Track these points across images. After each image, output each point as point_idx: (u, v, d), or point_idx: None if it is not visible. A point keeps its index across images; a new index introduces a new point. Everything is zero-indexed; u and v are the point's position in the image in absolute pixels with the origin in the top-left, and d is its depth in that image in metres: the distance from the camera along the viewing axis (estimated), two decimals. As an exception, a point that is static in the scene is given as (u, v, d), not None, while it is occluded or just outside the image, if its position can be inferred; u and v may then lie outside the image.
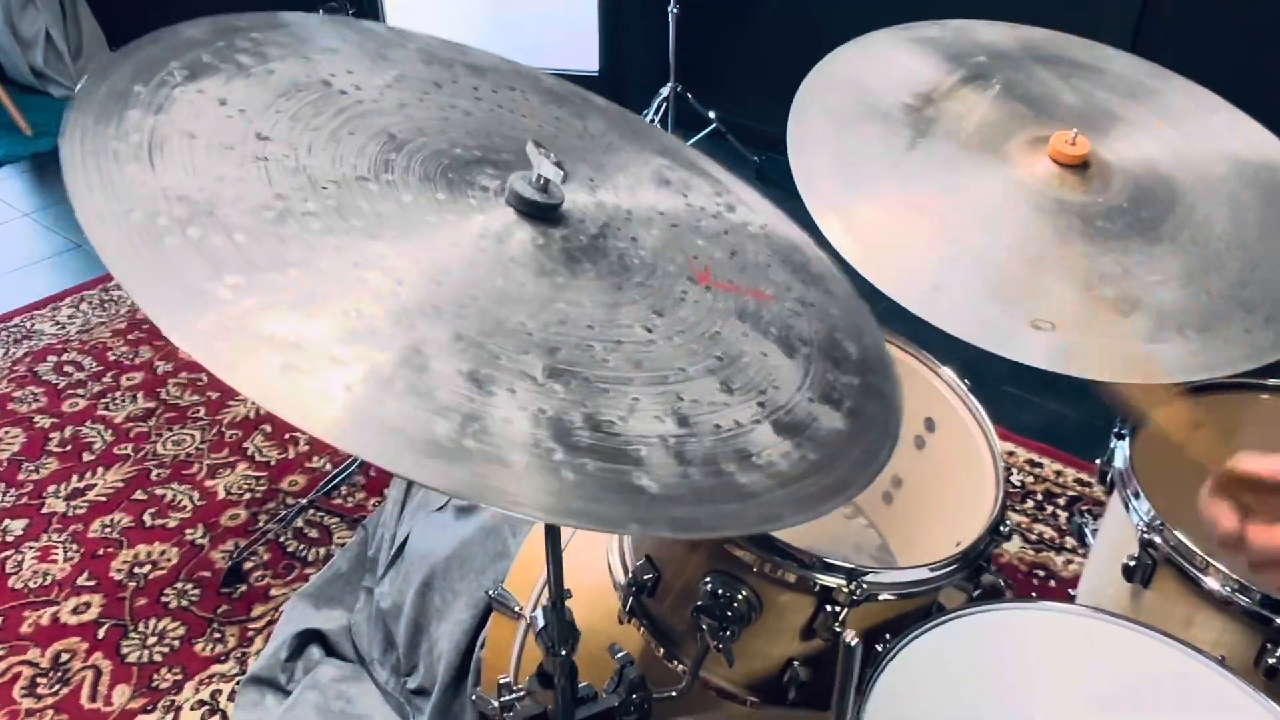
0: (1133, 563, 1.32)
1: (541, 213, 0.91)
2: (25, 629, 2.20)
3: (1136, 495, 1.34)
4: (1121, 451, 1.41)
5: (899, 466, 1.43)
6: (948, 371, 1.40)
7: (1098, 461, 1.47)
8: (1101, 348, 1.23)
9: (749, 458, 0.79)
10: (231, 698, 2.02)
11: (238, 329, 0.68)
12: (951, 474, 1.37)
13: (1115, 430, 1.43)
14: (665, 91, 3.73)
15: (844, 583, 1.12)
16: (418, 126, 0.96)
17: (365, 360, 0.69)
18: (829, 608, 1.13)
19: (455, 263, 0.82)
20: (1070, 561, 2.41)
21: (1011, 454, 2.73)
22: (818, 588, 1.13)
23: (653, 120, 3.75)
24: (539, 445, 0.70)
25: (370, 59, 1.03)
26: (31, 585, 2.27)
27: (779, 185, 1.37)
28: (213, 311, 0.68)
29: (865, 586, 1.11)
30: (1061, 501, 2.60)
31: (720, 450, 0.78)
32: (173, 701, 2.04)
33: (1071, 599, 1.33)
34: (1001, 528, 1.23)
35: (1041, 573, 2.39)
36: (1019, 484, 2.63)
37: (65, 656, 2.14)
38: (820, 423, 0.86)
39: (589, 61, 4.13)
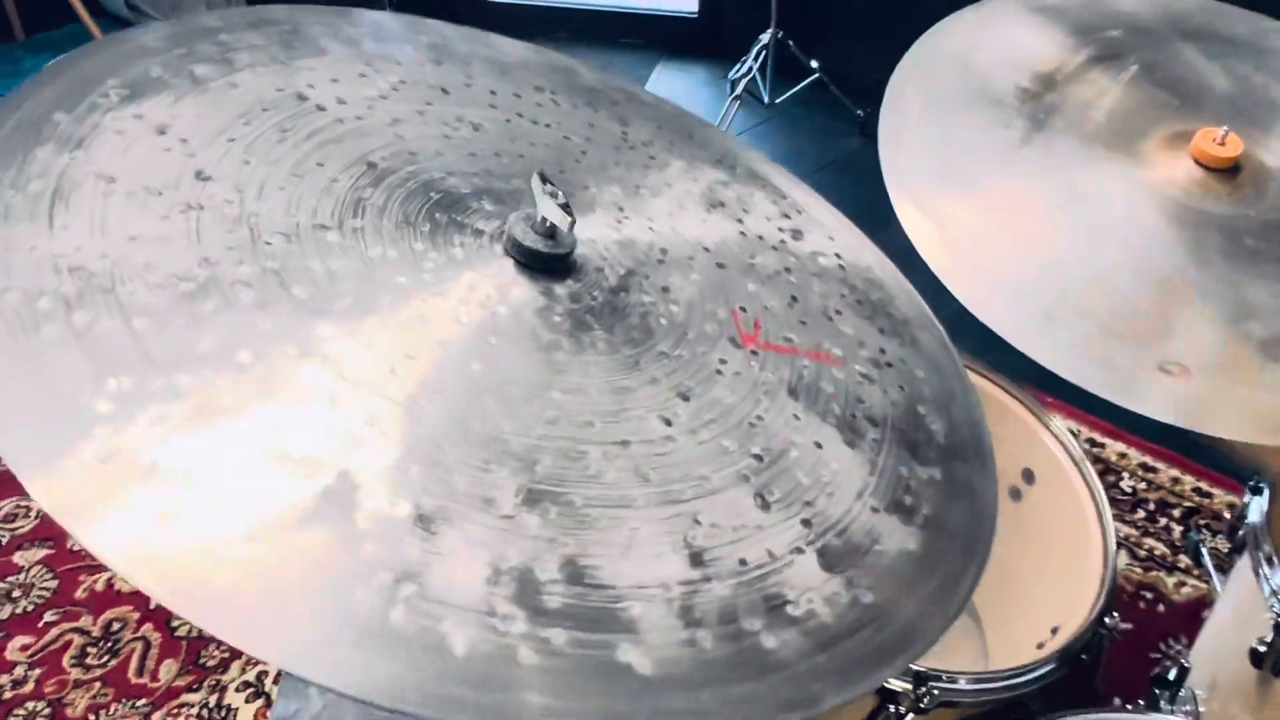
0: (1263, 648, 1.09)
1: (545, 264, 0.74)
2: (80, 594, 2.18)
3: (1271, 562, 1.11)
4: (1258, 507, 1.17)
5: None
6: (1058, 422, 1.18)
7: (1243, 496, 1.23)
8: (1244, 401, 1.01)
9: (782, 607, 0.61)
10: (276, 681, 1.97)
11: (109, 457, 0.53)
12: (1050, 539, 1.16)
13: (1252, 483, 1.19)
14: (765, 38, 3.48)
15: (910, 687, 0.93)
16: (409, 150, 0.80)
17: (273, 501, 0.54)
18: (891, 707, 0.95)
19: (424, 342, 0.65)
20: (1183, 584, 2.15)
21: (1123, 456, 2.46)
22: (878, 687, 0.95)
23: (750, 70, 3.50)
24: (493, 613, 0.54)
25: (366, 61, 0.87)
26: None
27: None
28: (79, 433, 0.53)
29: (935, 694, 0.92)
30: (1177, 513, 2.32)
31: (743, 599, 0.60)
32: (218, 681, 1.99)
33: (1181, 634, 1.12)
34: (1108, 620, 1.02)
35: (1149, 595, 2.13)
36: (1130, 490, 2.36)
37: (116, 626, 2.11)
38: (885, 544, 0.68)
39: (688, 2, 3.90)
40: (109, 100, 0.73)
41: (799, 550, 0.64)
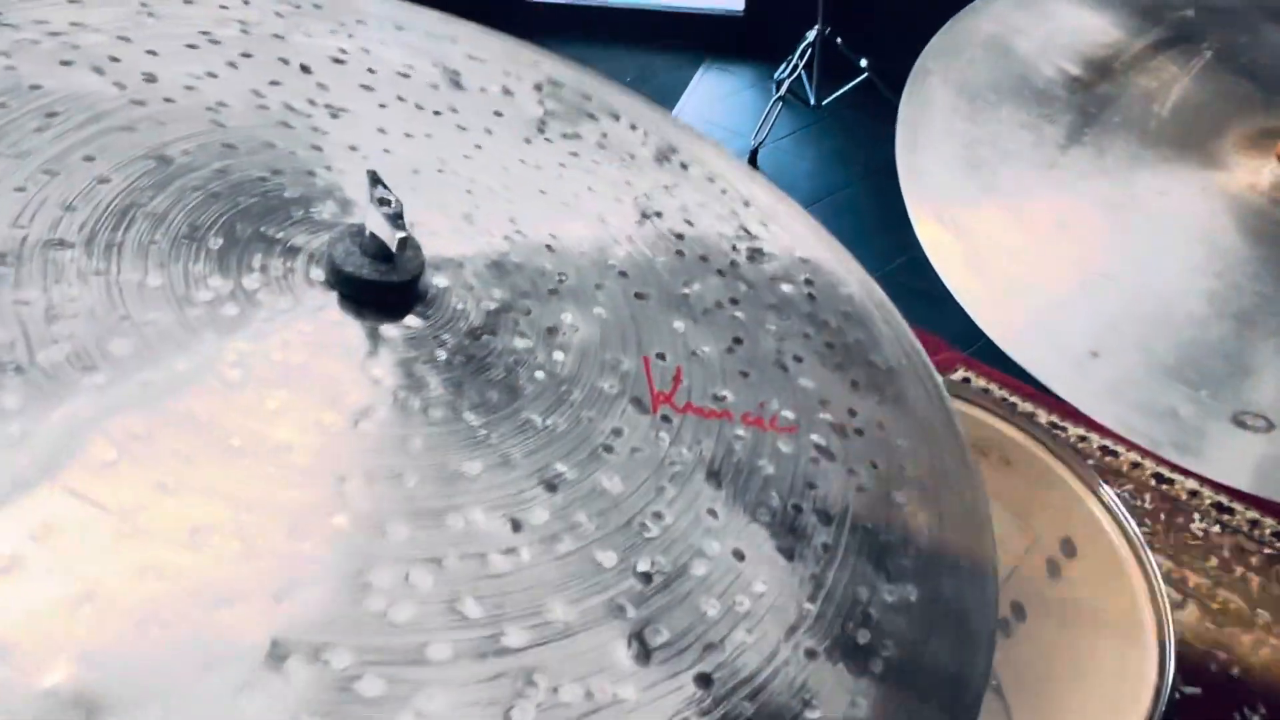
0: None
1: (372, 296, 0.54)
2: None
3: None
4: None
5: (1021, 589, 1.01)
6: (1109, 492, 0.96)
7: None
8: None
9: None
10: None
11: None
12: (1094, 623, 0.94)
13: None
14: (811, 36, 3.26)
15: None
16: (225, 141, 0.61)
17: None
18: None
19: (156, 415, 0.46)
20: (1262, 644, 1.87)
21: (1194, 495, 2.19)
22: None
23: (794, 68, 3.29)
24: None
25: (200, 28, 0.68)
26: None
27: None
28: None
29: None
30: (1255, 560, 2.04)
31: (582, 815, 0.40)
32: None
33: (1258, 703, 0.90)
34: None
35: (1222, 655, 1.87)
36: (1200, 534, 2.10)
37: None
38: (822, 708, 0.47)
39: (733, 1, 3.69)
40: None
41: (685, 730, 0.44)
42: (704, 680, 0.46)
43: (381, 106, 0.69)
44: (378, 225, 0.53)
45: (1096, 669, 0.93)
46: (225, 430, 0.46)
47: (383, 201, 0.53)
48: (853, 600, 0.52)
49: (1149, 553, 0.90)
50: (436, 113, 0.71)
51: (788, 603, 0.51)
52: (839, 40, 3.31)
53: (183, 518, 0.43)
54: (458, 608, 0.44)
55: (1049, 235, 1.04)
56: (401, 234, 0.52)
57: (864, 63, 3.37)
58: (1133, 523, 0.92)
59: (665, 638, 0.47)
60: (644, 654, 0.46)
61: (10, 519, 0.40)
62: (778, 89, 3.29)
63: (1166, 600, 0.87)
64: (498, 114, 0.73)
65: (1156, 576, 0.89)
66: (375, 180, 0.54)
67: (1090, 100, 1.14)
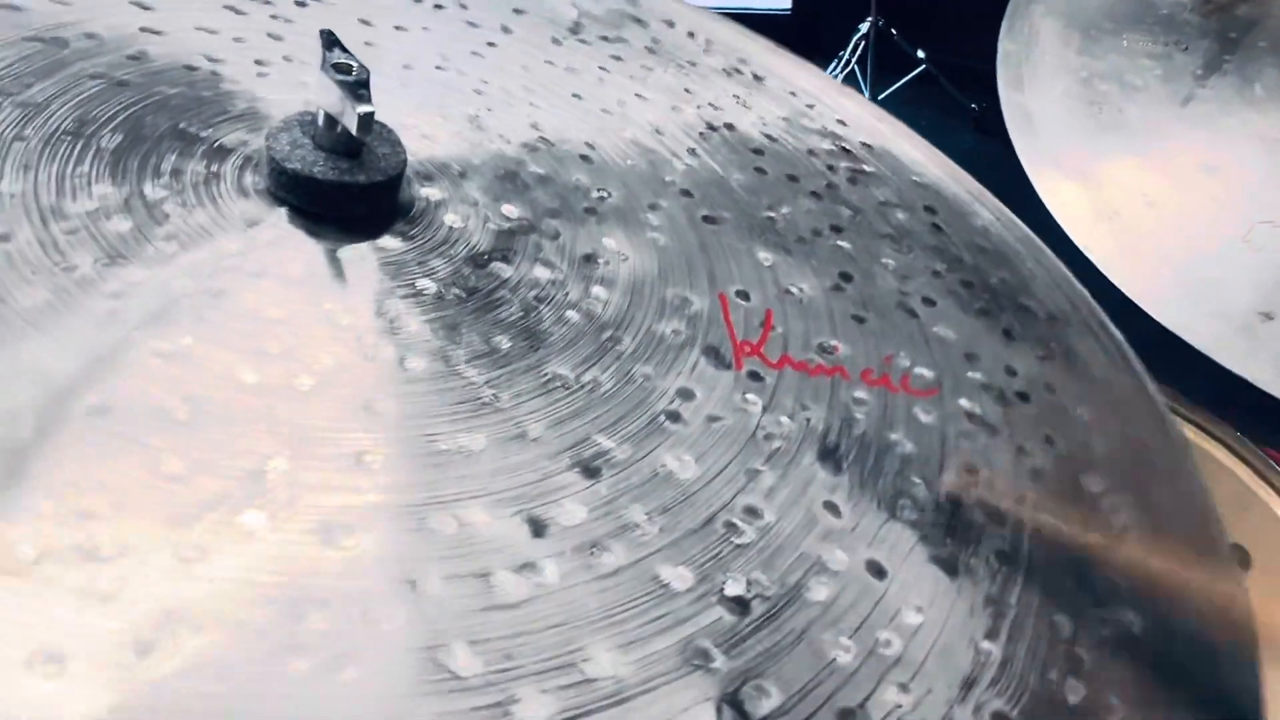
0: None
1: (332, 205, 0.38)
2: None
3: None
4: None
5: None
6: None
7: None
8: None
9: None
10: None
11: None
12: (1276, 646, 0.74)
13: None
14: (864, 28, 3.07)
15: None
16: (144, 27, 0.45)
17: None
18: None
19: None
20: None
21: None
22: None
23: (848, 63, 3.11)
24: None
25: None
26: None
27: (1006, 141, 0.84)
28: None
29: None
30: None
31: None
32: None
33: None
34: None
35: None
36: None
37: None
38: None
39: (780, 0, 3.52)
40: None
41: None
42: (841, 771, 0.28)
43: (362, -5, 0.53)
44: (332, 100, 0.36)
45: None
46: (90, 391, 0.30)
47: (339, 68, 0.36)
48: (1052, 634, 0.34)
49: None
50: (438, 5, 0.55)
51: (957, 642, 0.33)
52: (894, 32, 3.12)
53: (5, 536, 0.26)
54: (442, 659, 0.27)
55: (1194, 180, 0.87)
56: (365, 108, 0.35)
57: (921, 54, 3.18)
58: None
59: (775, 701, 0.29)
60: (743, 729, 0.28)
61: None
62: (831, 86, 3.12)
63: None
64: (518, 11, 0.57)
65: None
66: (331, 41, 0.37)
67: (1229, 23, 0.96)
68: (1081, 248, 0.81)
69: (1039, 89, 0.94)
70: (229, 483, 0.29)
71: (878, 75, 3.23)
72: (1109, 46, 0.96)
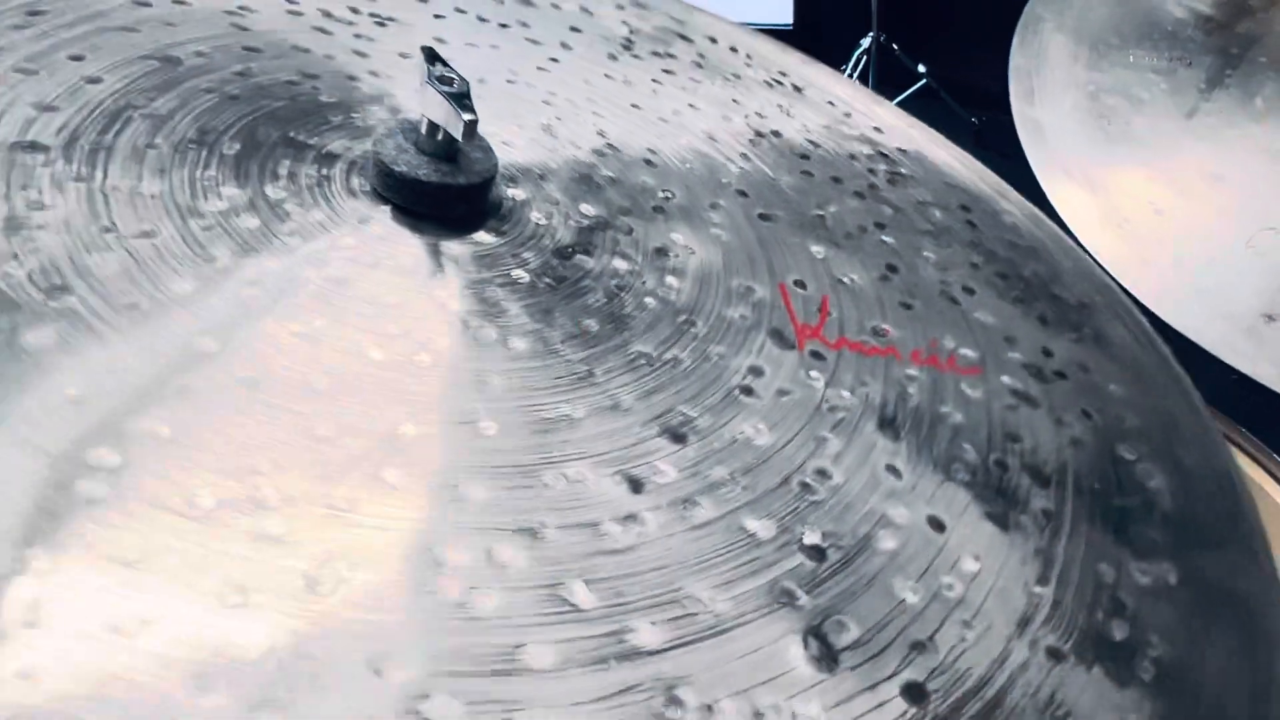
0: None
1: (434, 204, 0.42)
2: None
3: None
4: None
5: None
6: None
7: None
8: None
9: None
10: None
11: None
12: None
13: None
14: (866, 42, 3.11)
15: None
16: (247, 45, 0.49)
17: None
18: None
19: (171, 335, 0.34)
20: None
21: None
22: None
23: (851, 77, 3.15)
24: None
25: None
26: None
27: (1004, 154, 0.87)
28: None
29: None
30: None
31: None
32: None
33: None
34: None
35: None
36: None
37: None
38: (1081, 731, 0.33)
39: (782, 13, 3.56)
40: None
41: (900, 761, 0.30)
42: (915, 692, 0.32)
43: (437, 17, 0.57)
44: (437, 110, 0.40)
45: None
46: (240, 363, 0.34)
47: (443, 80, 0.40)
48: (1096, 582, 0.38)
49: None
50: (503, 25, 0.59)
51: (1012, 586, 0.36)
52: (895, 47, 3.16)
53: (180, 480, 0.30)
54: (563, 595, 0.31)
55: (1199, 189, 0.91)
56: (469, 116, 0.39)
57: (922, 68, 3.21)
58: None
59: (854, 634, 0.33)
60: (828, 656, 0.32)
61: None
62: (836, 100, 3.15)
63: None
64: (575, 29, 0.61)
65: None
66: (433, 57, 0.41)
67: (1230, 40, 1.00)
68: (1092, 252, 0.85)
69: (1050, 102, 0.98)
70: (369, 444, 0.33)
71: (879, 89, 3.26)
72: (1116, 62, 1.00)
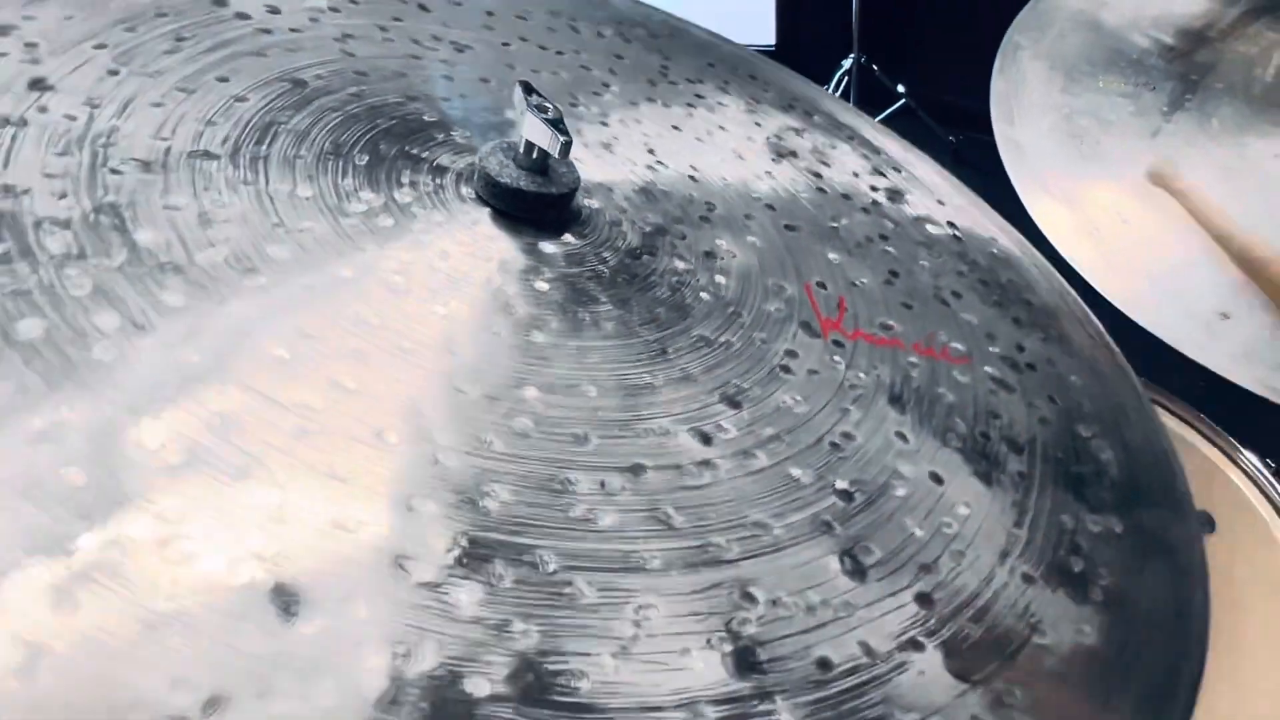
0: None
1: (530, 210, 0.51)
2: None
3: None
4: None
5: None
6: (1250, 457, 0.91)
7: None
8: None
9: (889, 744, 0.36)
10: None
11: None
12: (1240, 600, 0.89)
13: None
14: (847, 64, 3.22)
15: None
16: (356, 70, 0.58)
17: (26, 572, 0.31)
18: None
19: (332, 315, 0.43)
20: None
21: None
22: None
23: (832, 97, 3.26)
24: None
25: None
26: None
27: (982, 172, 0.97)
28: None
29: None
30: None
31: (823, 732, 0.36)
32: None
33: None
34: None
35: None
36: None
37: None
38: (1049, 634, 0.43)
39: (764, 34, 3.66)
40: (-64, -6, 0.52)
41: (914, 644, 0.40)
42: (924, 600, 0.42)
43: (505, 45, 0.66)
44: (536, 132, 0.49)
45: (1252, 650, 0.88)
46: (396, 333, 0.43)
47: (540, 108, 0.49)
48: (1059, 528, 0.48)
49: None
50: (559, 53, 0.68)
51: (995, 528, 0.46)
52: (875, 68, 3.27)
53: (364, 417, 0.39)
54: (659, 516, 0.40)
55: (1162, 201, 1.01)
56: (565, 138, 0.48)
57: (901, 88, 3.33)
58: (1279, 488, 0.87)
59: (878, 556, 0.43)
60: (858, 570, 0.42)
61: (184, 414, 0.37)
62: (813, 115, 3.25)
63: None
64: (618, 56, 0.70)
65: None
66: (529, 89, 0.51)
67: (1190, 67, 1.11)
68: (1068, 259, 0.95)
69: (1028, 123, 1.08)
70: (506, 398, 0.42)
71: (860, 108, 3.36)
72: (1087, 87, 1.11)
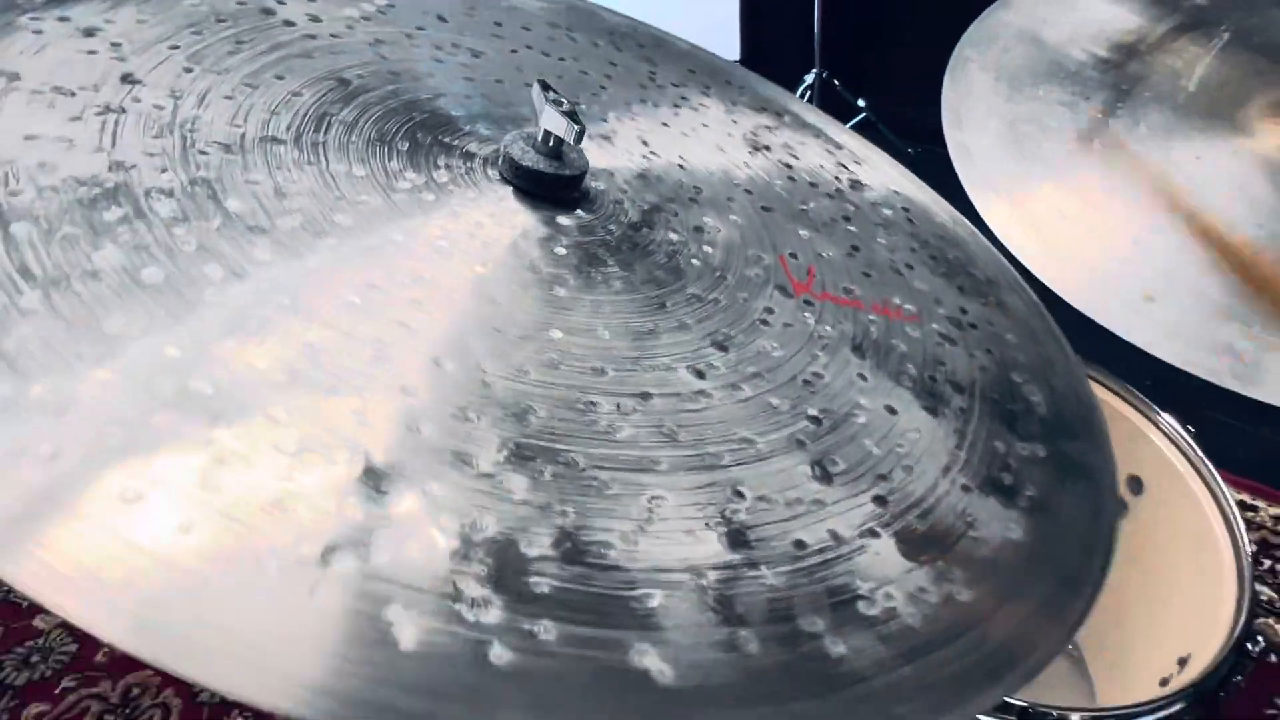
0: None
1: (549, 189, 0.60)
2: (99, 658, 2.03)
3: None
4: None
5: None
6: (1168, 419, 1.01)
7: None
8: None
9: (852, 602, 0.46)
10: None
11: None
12: (1167, 554, 0.99)
13: None
14: (810, 78, 3.34)
15: (1017, 730, 0.77)
16: (390, 70, 0.67)
17: (175, 457, 0.40)
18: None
19: (392, 270, 0.52)
20: (1305, 630, 1.92)
21: None
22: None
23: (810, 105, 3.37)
24: (459, 597, 0.39)
25: (349, -17, 0.74)
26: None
27: (937, 181, 1.06)
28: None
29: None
30: (1281, 553, 2.10)
31: (800, 591, 0.45)
32: (240, 750, 1.82)
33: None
34: (1250, 646, 0.85)
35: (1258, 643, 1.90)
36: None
37: (136, 692, 1.94)
38: (982, 530, 0.52)
39: (729, 49, 3.78)
40: (30, 1, 0.60)
41: (872, 533, 0.49)
42: (880, 500, 0.51)
43: (513, 51, 0.75)
44: (554, 123, 0.58)
45: (1175, 595, 0.98)
46: (446, 286, 0.52)
47: (557, 102, 0.59)
48: (993, 451, 0.58)
49: (1215, 474, 0.95)
50: (561, 59, 0.77)
51: (939, 449, 0.56)
52: (836, 83, 3.39)
53: (424, 348, 0.48)
54: (665, 433, 0.49)
55: (1096, 199, 1.11)
56: (579, 126, 0.58)
57: (862, 103, 3.44)
58: (1198, 450, 0.97)
59: (841, 467, 0.52)
60: (826, 477, 0.51)
61: (281, 343, 0.45)
62: (777, 126, 3.37)
63: (1238, 517, 0.92)
64: (612, 63, 0.80)
65: (1227, 498, 0.94)
66: (546, 86, 0.60)
67: (1121, 79, 1.22)
68: (1013, 251, 1.05)
69: (975, 128, 1.18)
70: (537, 338, 0.51)
71: (822, 120, 3.47)
72: (1029, 96, 1.21)
